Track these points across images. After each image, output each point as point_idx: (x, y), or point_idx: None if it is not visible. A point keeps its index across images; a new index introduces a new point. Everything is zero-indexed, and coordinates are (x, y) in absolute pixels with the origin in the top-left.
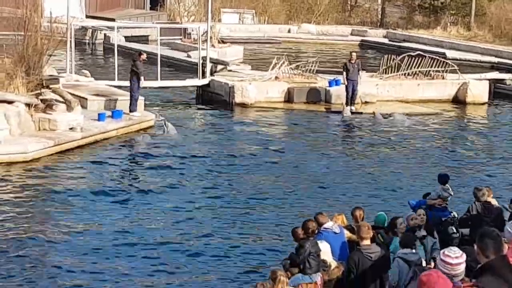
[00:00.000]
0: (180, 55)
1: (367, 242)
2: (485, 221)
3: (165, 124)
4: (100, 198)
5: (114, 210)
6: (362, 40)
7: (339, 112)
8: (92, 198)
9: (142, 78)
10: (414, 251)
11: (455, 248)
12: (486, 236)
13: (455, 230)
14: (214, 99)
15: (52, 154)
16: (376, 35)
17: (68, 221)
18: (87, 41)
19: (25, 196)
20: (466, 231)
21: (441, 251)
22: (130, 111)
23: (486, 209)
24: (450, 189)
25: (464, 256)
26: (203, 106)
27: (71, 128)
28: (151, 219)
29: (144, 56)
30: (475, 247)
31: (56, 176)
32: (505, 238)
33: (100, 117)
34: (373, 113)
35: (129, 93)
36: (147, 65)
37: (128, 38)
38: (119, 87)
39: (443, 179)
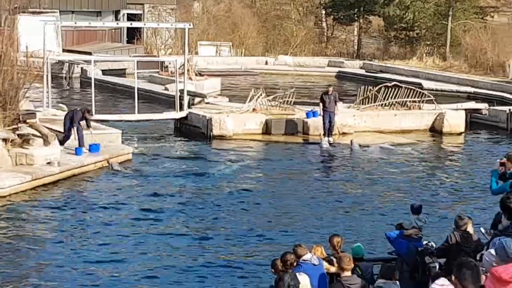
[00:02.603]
0: (158, 88)
1: (347, 273)
2: (464, 251)
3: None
4: (75, 234)
5: (88, 248)
6: (339, 71)
7: (317, 143)
8: (67, 234)
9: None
10: (392, 282)
11: (443, 279)
12: (464, 267)
13: (431, 260)
14: (192, 131)
15: (29, 189)
16: (353, 66)
17: (42, 259)
18: (64, 75)
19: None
20: (442, 261)
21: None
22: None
23: (465, 239)
24: (424, 219)
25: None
26: (181, 139)
27: (48, 163)
28: (127, 258)
29: (89, 115)
30: (453, 277)
31: (32, 211)
32: (484, 267)
33: (77, 151)
34: (350, 142)
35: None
36: (125, 98)
37: (105, 72)
38: (97, 121)
39: (416, 209)
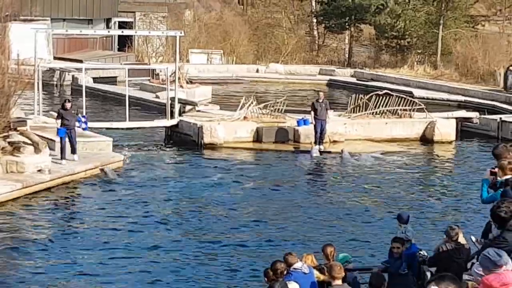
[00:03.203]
0: (149, 96)
1: (338, 282)
2: (456, 262)
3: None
4: (65, 242)
5: (77, 257)
6: (330, 80)
7: (308, 152)
8: (57, 242)
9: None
10: None
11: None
12: (447, 279)
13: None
14: (183, 139)
15: (20, 197)
16: (344, 74)
17: (30, 266)
18: (55, 82)
19: None
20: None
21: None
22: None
23: (457, 250)
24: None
25: None
26: (172, 147)
27: (39, 170)
28: (114, 266)
29: (68, 105)
30: None
31: (22, 219)
32: (472, 278)
33: (59, 132)
34: (341, 151)
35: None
36: (116, 105)
37: (96, 80)
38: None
39: (406, 219)
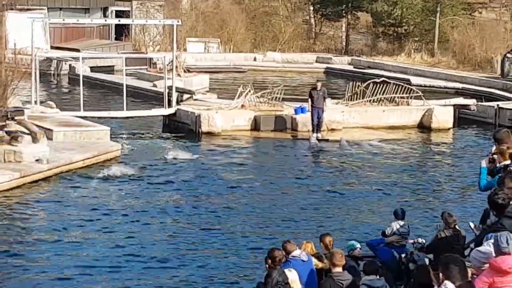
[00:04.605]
0: (146, 85)
1: (339, 269)
2: (455, 248)
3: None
4: (65, 232)
5: (79, 245)
6: (327, 68)
7: (306, 139)
8: (57, 232)
9: None
10: (378, 277)
11: None
12: (451, 263)
13: (419, 256)
14: (181, 128)
15: (18, 186)
16: (341, 62)
17: (27, 256)
18: (52, 72)
19: None
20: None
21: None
22: None
23: (456, 237)
24: (407, 225)
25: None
26: (170, 135)
27: (37, 160)
28: (119, 255)
29: None
30: (440, 274)
31: (21, 208)
32: (471, 264)
33: None
34: (340, 139)
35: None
36: (113, 95)
37: (93, 69)
38: (85, 118)
39: (400, 214)
